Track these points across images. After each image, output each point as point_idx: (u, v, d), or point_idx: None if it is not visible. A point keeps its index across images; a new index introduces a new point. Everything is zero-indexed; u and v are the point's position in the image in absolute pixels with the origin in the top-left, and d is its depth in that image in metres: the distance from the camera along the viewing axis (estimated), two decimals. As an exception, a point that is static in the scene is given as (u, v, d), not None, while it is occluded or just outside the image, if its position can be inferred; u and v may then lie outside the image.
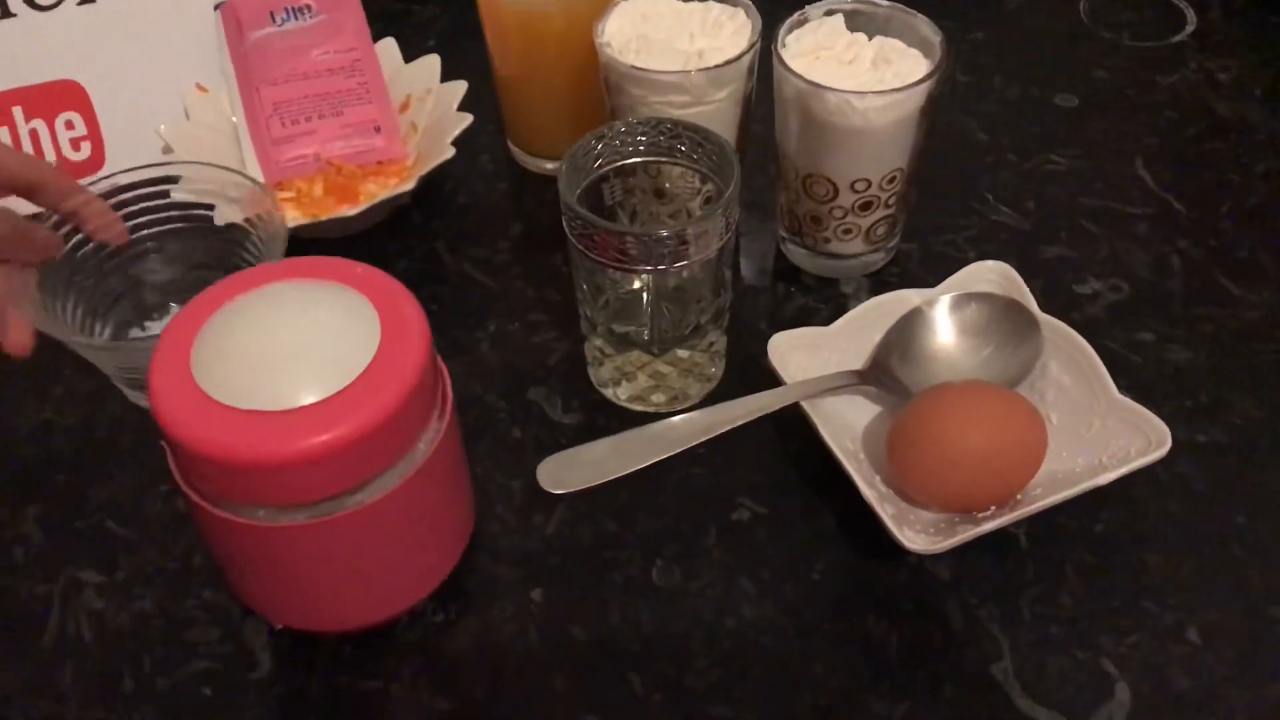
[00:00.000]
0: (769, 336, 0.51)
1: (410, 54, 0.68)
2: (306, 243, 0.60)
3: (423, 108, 0.66)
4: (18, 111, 0.64)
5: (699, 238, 0.47)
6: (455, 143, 0.62)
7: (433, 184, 0.64)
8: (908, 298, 0.53)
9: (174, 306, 0.56)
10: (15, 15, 0.64)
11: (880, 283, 0.60)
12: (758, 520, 0.50)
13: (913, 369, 0.52)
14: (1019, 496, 0.48)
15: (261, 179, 0.62)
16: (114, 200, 0.54)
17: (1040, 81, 0.72)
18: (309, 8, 0.68)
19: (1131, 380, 0.53)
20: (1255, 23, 0.76)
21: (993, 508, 0.48)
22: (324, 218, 0.60)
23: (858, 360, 0.53)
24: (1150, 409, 0.48)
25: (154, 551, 0.50)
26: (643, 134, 0.49)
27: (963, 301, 0.53)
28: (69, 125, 0.65)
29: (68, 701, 0.46)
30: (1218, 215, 0.63)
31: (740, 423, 0.49)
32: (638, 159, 0.50)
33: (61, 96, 0.65)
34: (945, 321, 0.53)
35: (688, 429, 0.49)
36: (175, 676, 0.46)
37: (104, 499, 0.52)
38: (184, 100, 0.66)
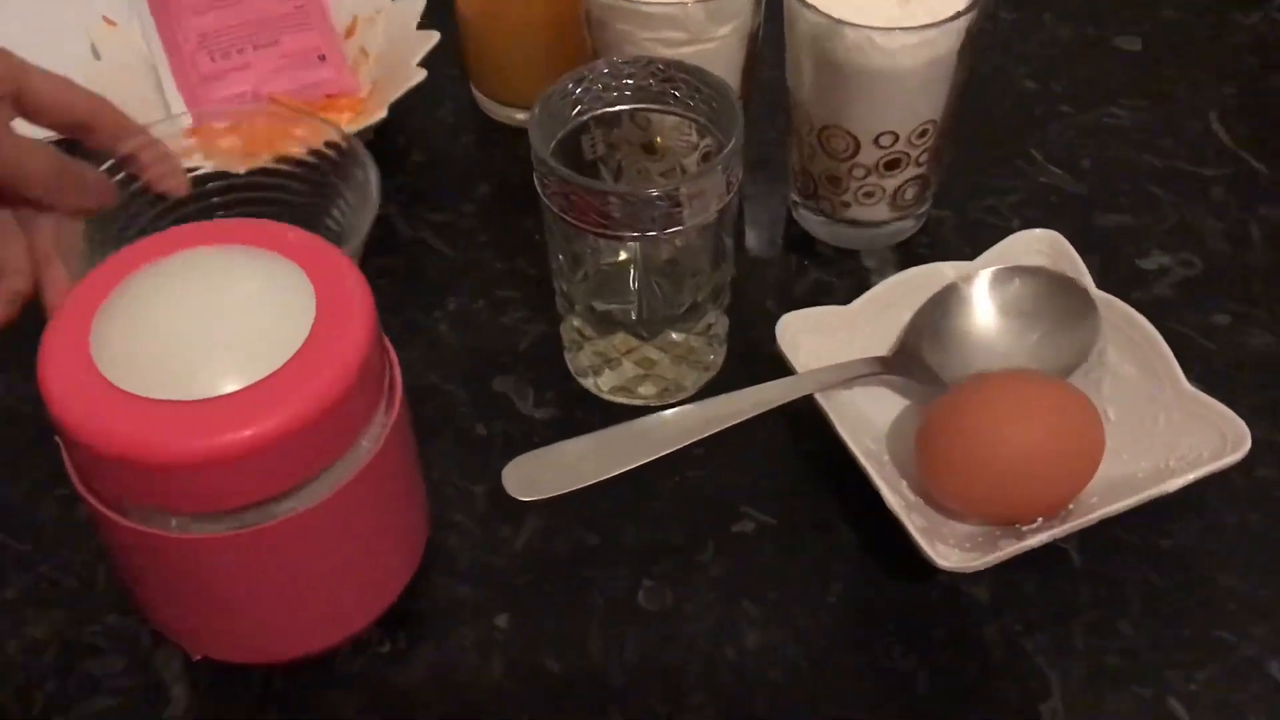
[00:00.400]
0: (778, 317, 0.52)
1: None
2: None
3: (372, 30, 0.67)
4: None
5: (695, 199, 0.47)
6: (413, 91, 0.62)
7: (383, 136, 0.64)
8: (941, 272, 0.54)
9: None
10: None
11: (909, 255, 0.60)
12: (763, 532, 0.50)
13: (946, 356, 0.52)
14: (1070, 506, 0.48)
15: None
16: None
17: (1098, 19, 0.72)
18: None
19: (1204, 370, 0.53)
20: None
21: (1040, 519, 0.48)
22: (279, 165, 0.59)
23: (882, 346, 0.53)
24: (1226, 403, 0.48)
25: (48, 567, 0.50)
26: (630, 77, 0.49)
27: (1006, 277, 0.53)
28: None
29: (-54, 745, 0.45)
30: (1305, 177, 0.64)
31: (743, 418, 0.49)
32: (624, 106, 0.50)
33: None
34: (985, 300, 0.53)
35: (681, 426, 0.49)
36: (73, 715, 0.46)
37: (-8, 505, 0.52)
38: (90, 37, 0.66)
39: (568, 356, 0.56)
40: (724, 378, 0.55)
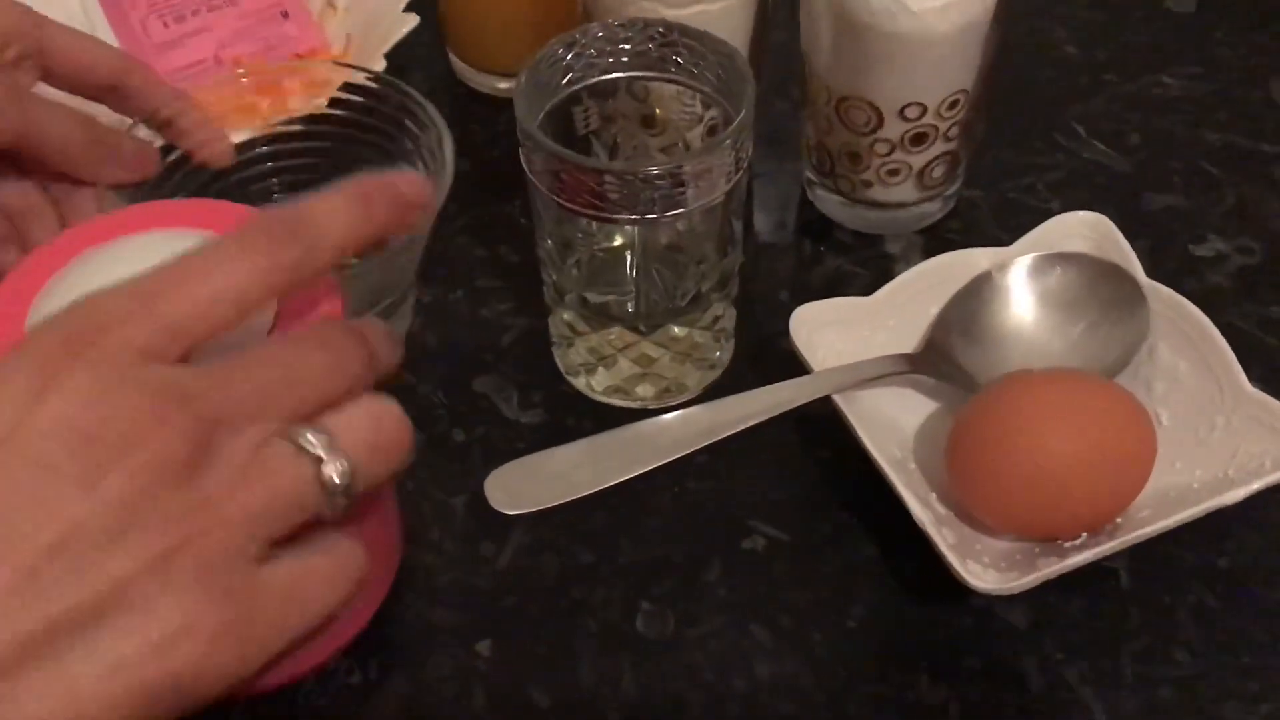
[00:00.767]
0: (791, 310, 0.51)
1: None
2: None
3: None
4: None
5: (699, 178, 0.46)
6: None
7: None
8: (973, 260, 0.54)
9: None
10: None
11: (937, 240, 0.60)
12: (775, 549, 0.50)
13: (980, 353, 0.52)
14: (1118, 520, 0.48)
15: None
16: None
17: (1147, -21, 0.72)
18: None
19: (1265, 369, 0.53)
20: None
21: (1084, 535, 0.48)
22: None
23: (907, 342, 0.53)
24: (1291, 406, 0.48)
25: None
26: (626, 41, 0.49)
27: (1045, 265, 0.53)
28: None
29: None
30: (1377, 154, 0.64)
31: (753, 422, 0.49)
32: (619, 74, 0.50)
33: None
34: (1022, 291, 0.53)
35: (684, 431, 0.49)
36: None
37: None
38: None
39: (556, 354, 0.56)
40: (731, 377, 0.55)
